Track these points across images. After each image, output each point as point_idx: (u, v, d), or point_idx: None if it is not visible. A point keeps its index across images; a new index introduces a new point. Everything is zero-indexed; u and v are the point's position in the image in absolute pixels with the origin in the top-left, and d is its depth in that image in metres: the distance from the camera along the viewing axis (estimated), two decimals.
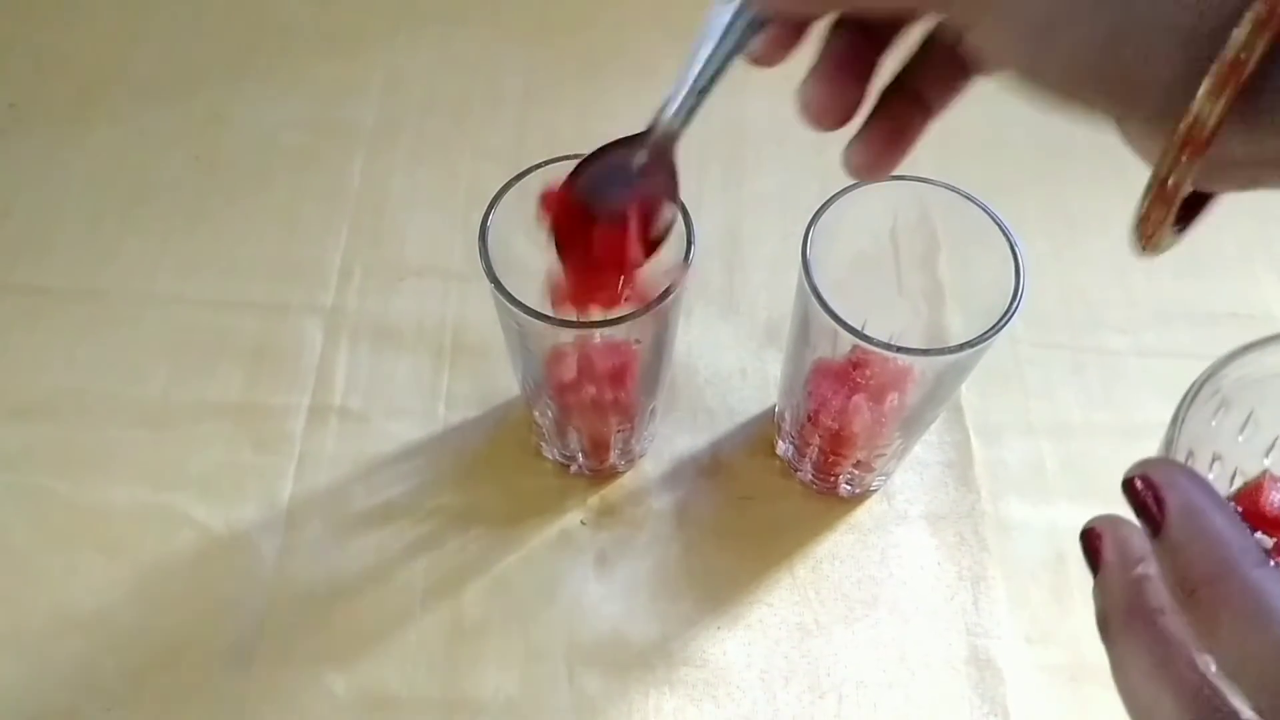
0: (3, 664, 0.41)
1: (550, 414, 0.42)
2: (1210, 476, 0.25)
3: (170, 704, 0.40)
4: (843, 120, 0.27)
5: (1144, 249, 0.21)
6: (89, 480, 0.45)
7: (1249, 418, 0.26)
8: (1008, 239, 0.35)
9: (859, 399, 0.38)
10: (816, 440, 0.42)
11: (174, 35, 0.61)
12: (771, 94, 0.58)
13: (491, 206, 0.35)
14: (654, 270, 0.35)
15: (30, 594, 0.42)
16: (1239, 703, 0.18)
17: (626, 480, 0.46)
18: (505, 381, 0.48)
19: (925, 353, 0.34)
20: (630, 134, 0.30)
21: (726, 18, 0.26)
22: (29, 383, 0.48)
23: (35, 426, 0.46)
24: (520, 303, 0.33)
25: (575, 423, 0.42)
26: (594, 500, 0.45)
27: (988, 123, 0.57)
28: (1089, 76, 0.19)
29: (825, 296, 0.34)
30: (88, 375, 0.48)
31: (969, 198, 0.36)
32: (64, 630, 0.42)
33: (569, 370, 0.39)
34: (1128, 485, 0.20)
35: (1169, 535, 0.19)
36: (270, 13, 0.62)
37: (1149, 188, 0.20)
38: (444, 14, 0.62)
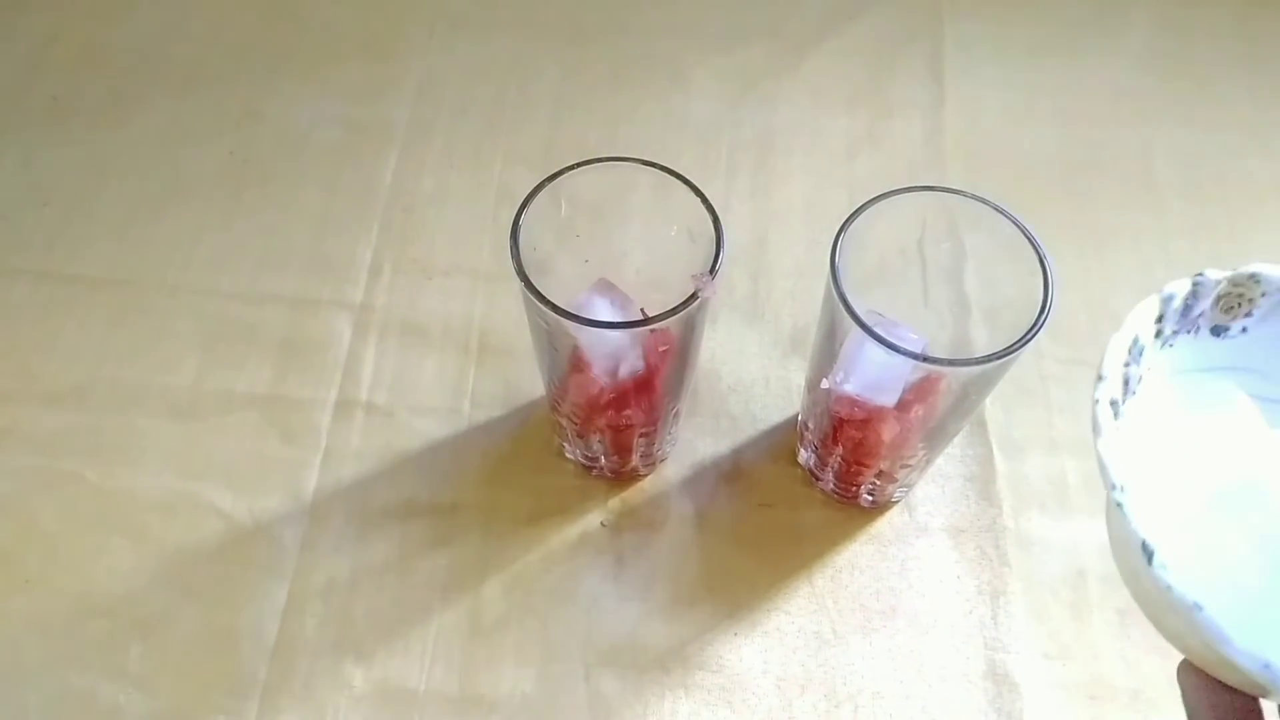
0: (28, 645, 0.41)
1: (573, 416, 0.42)
2: None
3: (191, 690, 0.41)
4: None
5: None
6: (118, 467, 0.46)
7: None
8: (1037, 252, 0.35)
9: (884, 409, 0.38)
10: (839, 450, 0.42)
11: (212, 32, 0.62)
12: (800, 103, 0.59)
13: (523, 207, 0.36)
14: (683, 275, 0.35)
15: (57, 577, 0.43)
16: None
17: (647, 484, 0.46)
18: (530, 382, 0.48)
19: (951, 363, 0.34)
20: None
21: None
22: (62, 369, 0.49)
23: (66, 413, 0.47)
24: (549, 302, 0.34)
25: (598, 425, 0.42)
26: (615, 502, 0.45)
27: (1018, 137, 0.57)
28: None
29: (852, 305, 0.34)
30: (119, 364, 0.49)
31: (998, 209, 0.36)
32: (89, 614, 0.42)
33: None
34: None
35: None
36: (308, 13, 0.62)
37: None
38: (478, 18, 0.62)
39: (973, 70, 0.60)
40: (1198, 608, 0.22)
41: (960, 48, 0.61)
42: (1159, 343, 0.28)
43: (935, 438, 0.40)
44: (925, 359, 0.33)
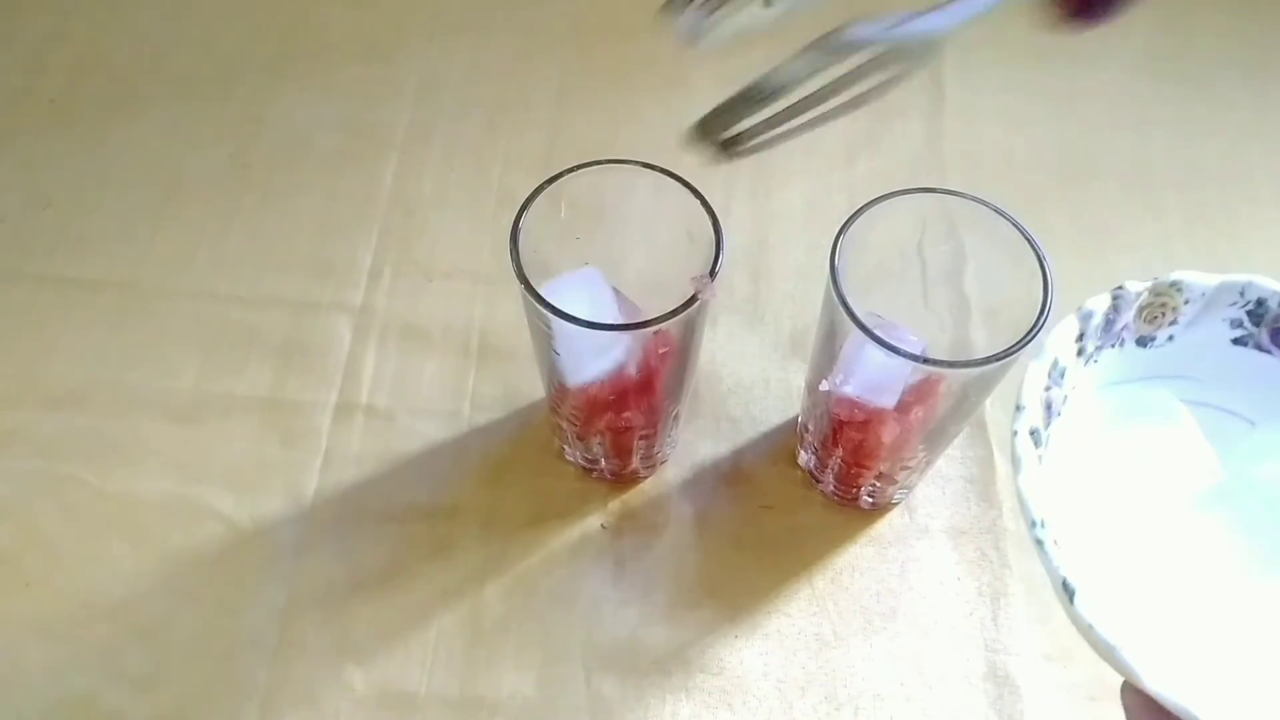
0: (29, 649, 0.41)
1: (573, 418, 0.42)
2: None
3: (192, 693, 0.41)
4: None
5: None
6: (118, 470, 0.46)
7: None
8: (1036, 254, 0.35)
9: (884, 411, 0.38)
10: (839, 451, 0.42)
11: (212, 36, 0.62)
12: None
13: (523, 210, 0.36)
14: (682, 277, 0.35)
15: (58, 581, 0.43)
16: None
17: (648, 486, 0.46)
18: (530, 385, 0.48)
19: (951, 365, 0.34)
20: None
21: None
22: (62, 373, 0.49)
23: (67, 416, 0.47)
24: (550, 304, 0.34)
25: (598, 427, 0.42)
26: (615, 505, 0.45)
27: (1017, 139, 0.57)
28: None
29: (852, 307, 0.34)
30: (120, 367, 0.49)
31: (998, 211, 0.36)
32: (90, 617, 0.42)
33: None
34: None
35: None
36: (308, 16, 0.63)
37: None
38: (477, 21, 0.62)
39: (972, 72, 0.60)
40: (1114, 649, 0.22)
41: (959, 50, 0.61)
42: (1081, 360, 0.28)
43: (935, 439, 0.40)
44: (925, 361, 0.33)
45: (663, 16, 0.24)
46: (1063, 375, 0.27)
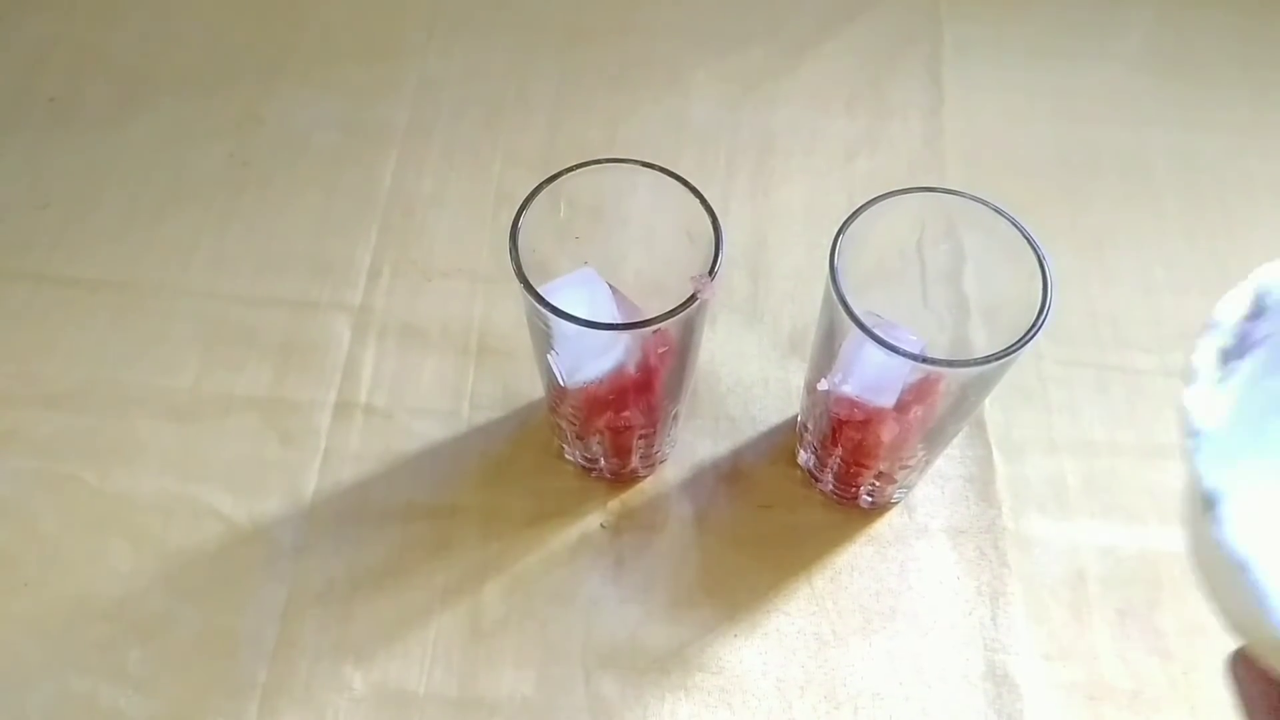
0: (27, 648, 0.41)
1: (573, 417, 0.42)
2: None
3: (191, 693, 0.41)
4: None
5: None
6: (117, 469, 0.46)
7: None
8: (1036, 253, 0.35)
9: (883, 411, 0.38)
10: (839, 451, 0.42)
11: (212, 34, 0.62)
12: (799, 104, 0.59)
13: (522, 209, 0.36)
14: (682, 277, 0.35)
15: (56, 580, 0.43)
16: None
17: (647, 485, 0.46)
18: (529, 384, 0.48)
19: (951, 364, 0.34)
20: None
21: None
22: (61, 372, 0.49)
23: (66, 415, 0.47)
24: (549, 303, 0.34)
25: (597, 426, 0.42)
26: (614, 504, 0.45)
27: (1016, 138, 0.57)
28: None
29: (851, 306, 0.34)
30: (119, 366, 0.49)
31: (997, 211, 0.36)
32: (88, 616, 0.42)
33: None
34: None
35: None
36: (307, 15, 0.63)
37: None
38: (477, 19, 0.62)
39: (971, 72, 0.60)
40: (1244, 567, 0.20)
41: (959, 49, 0.61)
42: None
43: (934, 439, 0.40)
44: (924, 360, 0.33)
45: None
46: (1266, 312, 0.24)
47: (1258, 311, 0.24)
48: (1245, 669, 0.22)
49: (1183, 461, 0.22)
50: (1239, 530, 0.20)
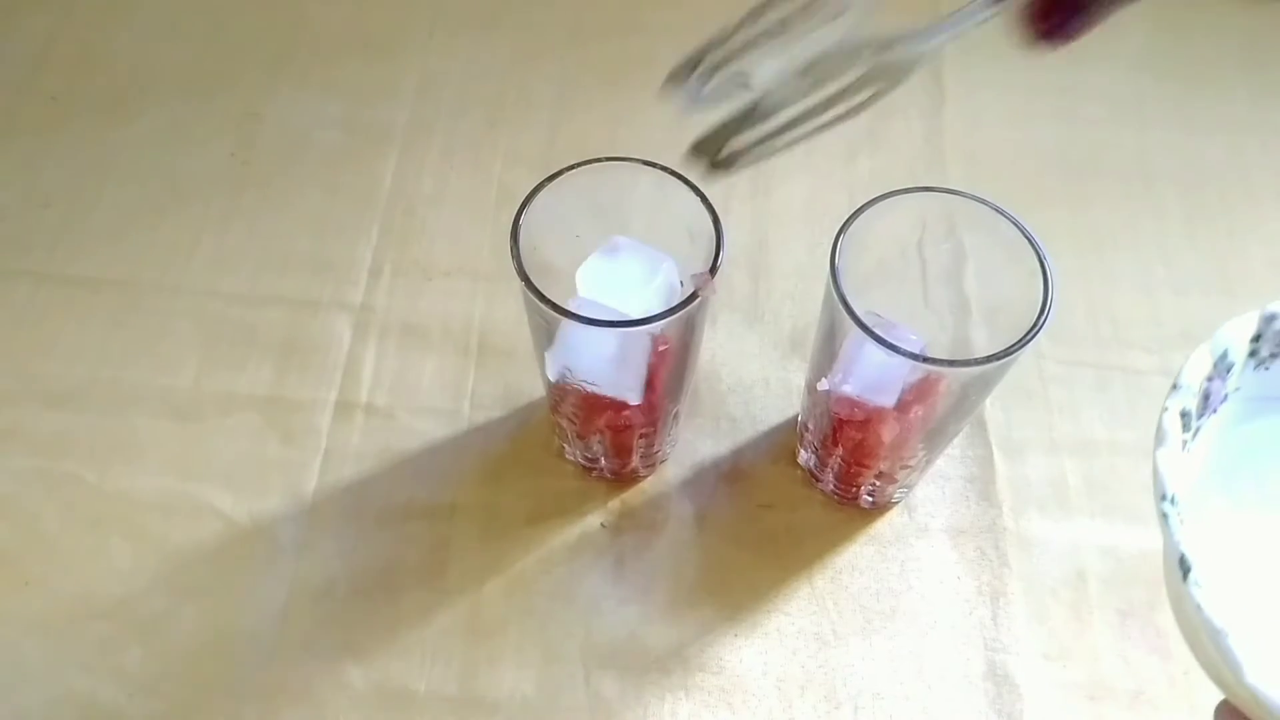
0: (28, 647, 0.41)
1: (573, 416, 0.42)
2: None
3: (191, 692, 0.41)
4: None
5: None
6: (117, 468, 0.46)
7: None
8: (1037, 253, 0.35)
9: (884, 410, 0.38)
10: (839, 450, 0.42)
11: (213, 34, 0.62)
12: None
13: (523, 207, 0.36)
14: (682, 275, 0.35)
15: (57, 579, 0.43)
16: None
17: (647, 485, 0.46)
18: (530, 383, 0.48)
19: (951, 364, 0.34)
20: None
21: None
22: (62, 371, 0.49)
23: (66, 414, 0.47)
24: (550, 302, 0.34)
25: (598, 426, 0.42)
26: (614, 504, 0.45)
27: (1017, 138, 0.57)
28: None
29: (852, 306, 0.34)
30: (119, 365, 0.49)
31: (998, 210, 0.36)
32: (89, 616, 0.42)
33: None
34: None
35: None
36: (307, 14, 0.62)
37: None
38: (477, 18, 0.62)
39: (972, 71, 0.60)
40: (1223, 633, 0.21)
41: (960, 49, 0.61)
42: (1252, 363, 0.26)
43: (935, 439, 0.40)
44: (924, 360, 0.33)
45: (666, 88, 0.25)
46: (1229, 370, 0.26)
47: (1221, 371, 0.25)
48: (1230, 715, 0.23)
49: (1159, 525, 0.23)
50: (1215, 595, 0.21)
